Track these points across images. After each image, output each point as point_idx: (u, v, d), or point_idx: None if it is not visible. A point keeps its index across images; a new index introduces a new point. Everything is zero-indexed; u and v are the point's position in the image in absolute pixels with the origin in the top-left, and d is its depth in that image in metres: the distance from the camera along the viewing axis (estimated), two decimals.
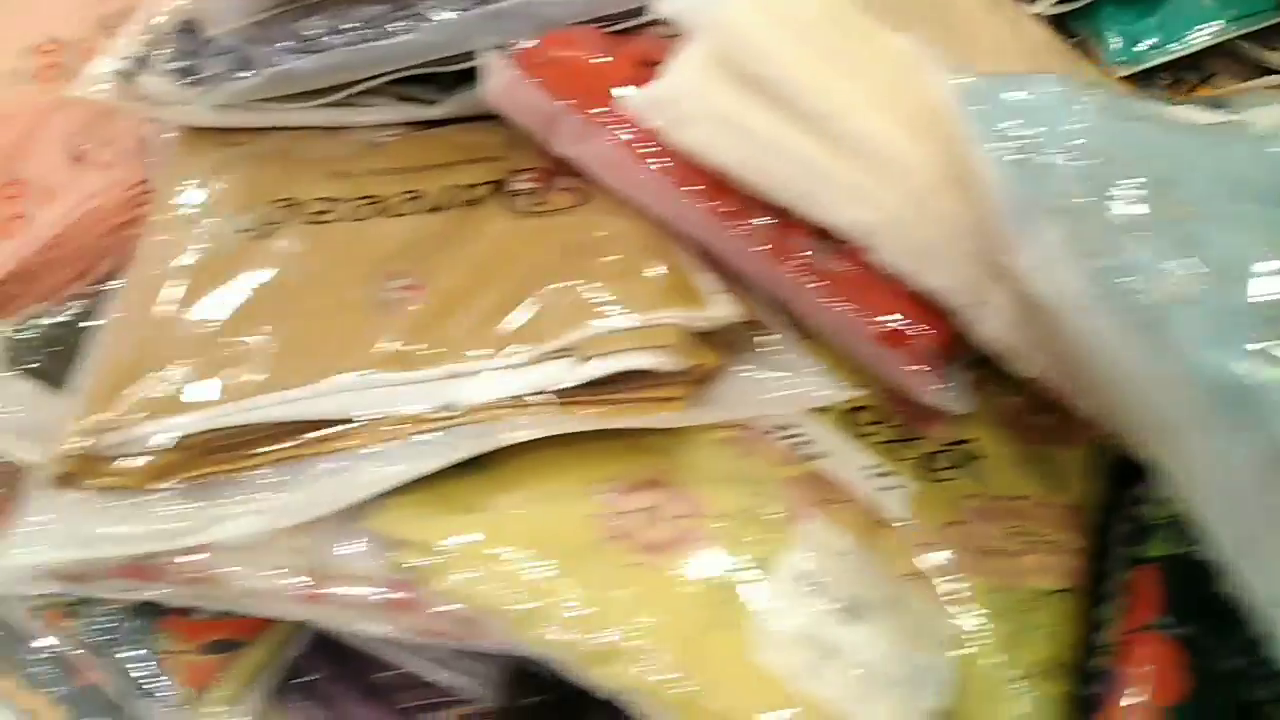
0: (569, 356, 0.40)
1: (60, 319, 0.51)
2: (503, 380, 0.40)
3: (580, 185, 0.50)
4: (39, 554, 0.36)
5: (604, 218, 0.47)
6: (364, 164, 0.53)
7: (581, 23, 0.52)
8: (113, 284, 0.54)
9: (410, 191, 0.51)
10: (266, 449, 0.39)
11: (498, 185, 0.51)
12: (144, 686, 0.44)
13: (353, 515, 0.38)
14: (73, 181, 0.58)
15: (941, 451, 0.45)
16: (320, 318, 0.43)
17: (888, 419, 0.46)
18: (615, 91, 0.47)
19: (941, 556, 0.42)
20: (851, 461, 0.43)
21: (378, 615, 0.40)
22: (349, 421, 0.39)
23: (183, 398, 0.39)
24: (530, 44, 0.51)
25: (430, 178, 0.52)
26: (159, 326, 0.42)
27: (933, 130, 0.42)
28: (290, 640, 0.46)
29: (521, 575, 0.37)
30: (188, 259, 0.46)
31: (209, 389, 0.39)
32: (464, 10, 0.52)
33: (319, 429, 0.39)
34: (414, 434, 0.38)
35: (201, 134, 0.56)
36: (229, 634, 0.45)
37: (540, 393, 0.39)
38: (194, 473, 0.38)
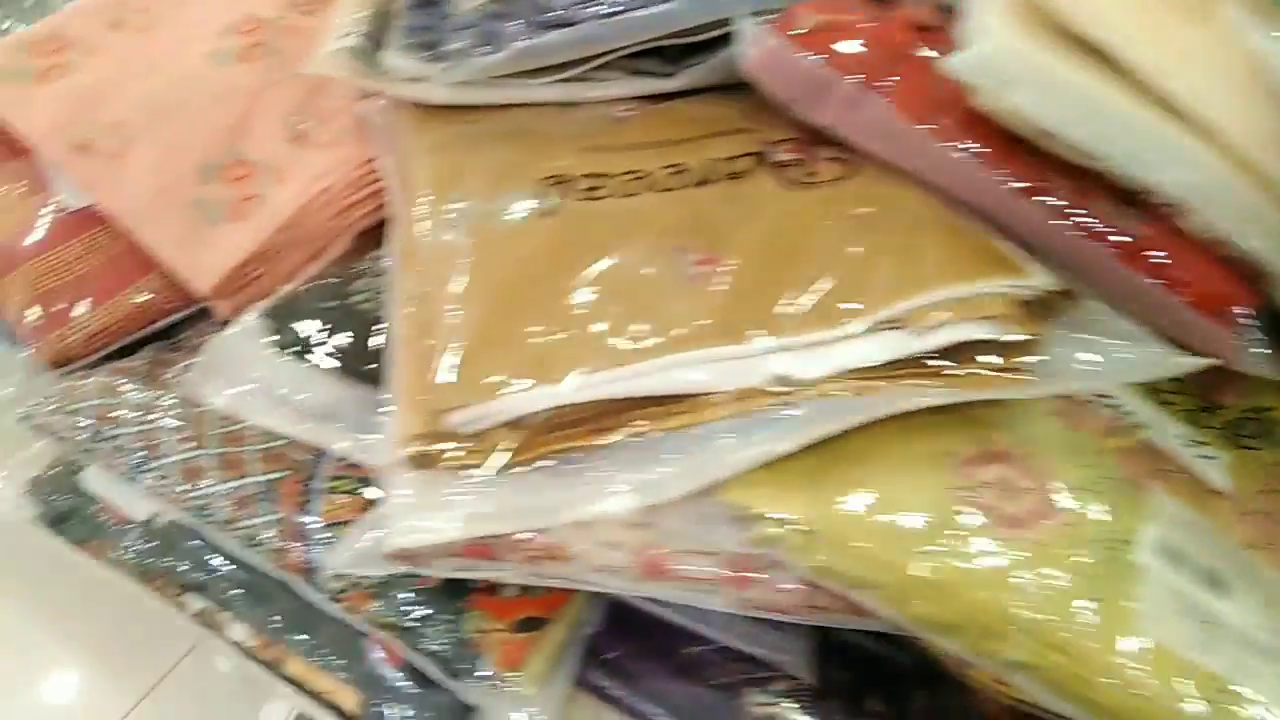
0: (899, 328, 0.39)
1: (326, 301, 0.50)
2: (838, 353, 0.39)
3: (844, 155, 0.50)
4: (414, 534, 0.36)
5: (886, 188, 0.47)
6: (616, 139, 0.52)
7: None
8: (364, 263, 0.53)
9: (672, 165, 0.50)
10: (614, 425, 0.38)
11: (758, 157, 0.50)
12: (458, 667, 0.44)
13: (704, 489, 0.37)
14: (299, 161, 0.57)
15: (1245, 419, 0.45)
16: (630, 294, 0.42)
17: (1187, 388, 0.45)
18: (898, 56, 0.46)
19: (1262, 523, 0.41)
20: (1169, 431, 0.42)
21: (720, 590, 0.39)
22: (688, 396, 0.39)
23: (523, 376, 0.38)
24: (791, 10, 0.50)
25: (687, 151, 0.51)
26: (470, 305, 0.42)
27: (1256, 90, 0.41)
28: (587, 617, 0.46)
29: (889, 549, 0.36)
30: (466, 237, 0.45)
31: (547, 366, 0.39)
32: None
33: (662, 404, 0.38)
34: (767, 408, 0.38)
35: (432, 112, 0.55)
36: (536, 611, 0.44)
37: (881, 365, 0.38)
38: (547, 450, 0.37)
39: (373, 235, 0.56)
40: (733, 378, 0.39)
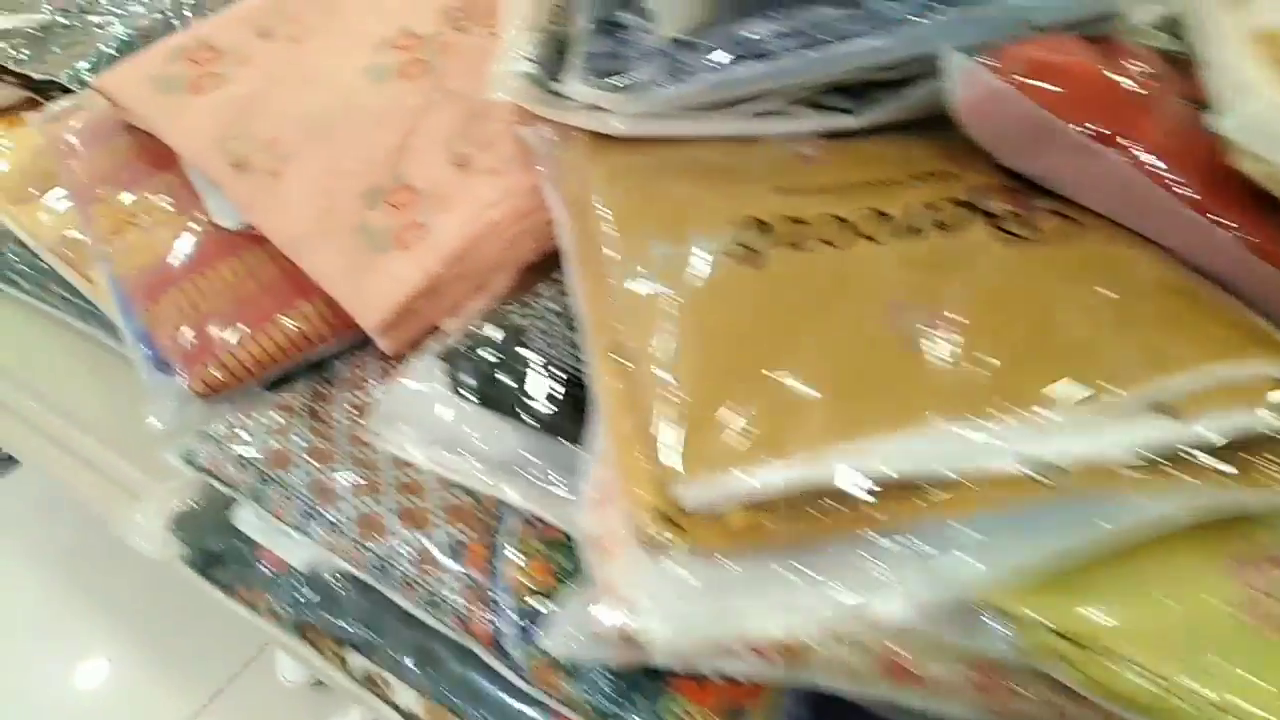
0: (1165, 414, 0.36)
1: (504, 344, 0.47)
2: (1096, 438, 0.36)
3: (1064, 208, 0.46)
4: (661, 626, 0.33)
5: (1121, 249, 0.43)
6: (807, 180, 0.49)
7: (1063, 26, 0.48)
8: (536, 300, 0.50)
9: (873, 211, 0.47)
10: (848, 513, 0.35)
11: (968, 206, 0.46)
12: None
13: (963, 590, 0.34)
14: (464, 189, 0.55)
15: None
16: (854, 356, 0.39)
17: None
18: (1132, 104, 0.43)
19: None
20: None
21: (962, 695, 0.36)
22: (933, 480, 0.35)
23: (756, 451, 0.35)
24: (1010, 49, 0.46)
25: (886, 196, 0.48)
26: (685, 370, 0.39)
27: None
28: (793, 711, 0.43)
29: (1163, 665, 0.33)
30: (666, 288, 0.42)
31: (779, 439, 0.36)
32: (931, 13, 0.48)
33: (905, 490, 0.35)
34: (1022, 500, 0.34)
35: (606, 142, 0.52)
36: (741, 699, 0.42)
37: (1146, 455, 0.35)
38: (785, 535, 0.34)
39: (539, 268, 0.53)
40: (979, 460, 0.36)
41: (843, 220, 0.46)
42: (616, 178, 0.50)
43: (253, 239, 0.55)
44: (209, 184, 0.55)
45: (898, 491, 0.36)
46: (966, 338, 0.40)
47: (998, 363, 0.39)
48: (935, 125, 0.52)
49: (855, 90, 0.53)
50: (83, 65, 0.82)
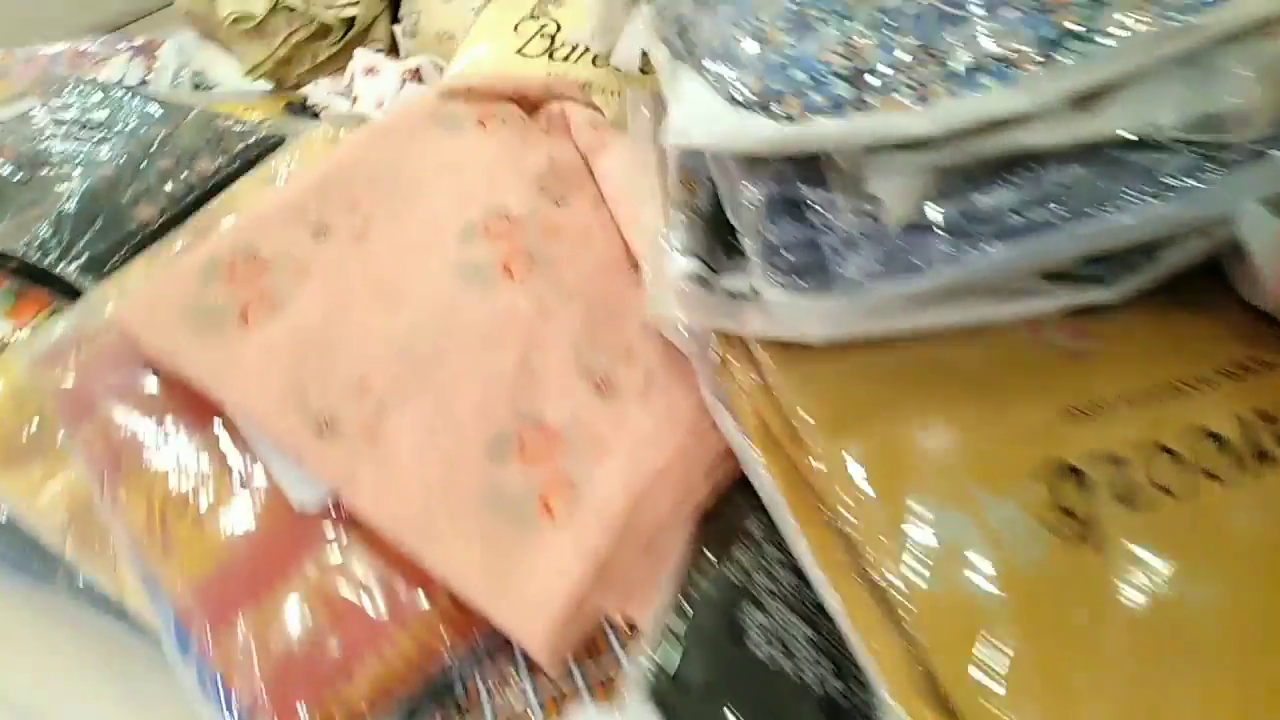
0: None
1: (722, 654, 0.35)
2: None
3: None
4: None
5: None
6: (1094, 388, 0.37)
7: None
8: (736, 571, 0.37)
9: (1200, 430, 0.35)
10: None
11: None
12: None
13: None
14: (612, 422, 0.42)
15: None
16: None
17: None
18: None
19: None
20: None
21: None
22: None
23: None
24: None
25: (1204, 405, 0.36)
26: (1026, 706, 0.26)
27: None
28: None
29: None
30: (950, 575, 0.30)
31: None
32: (1220, 167, 0.37)
33: None
34: None
35: (791, 348, 0.40)
36: None
37: None
38: None
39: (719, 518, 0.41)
40: None
41: (1171, 452, 0.35)
42: (824, 400, 0.38)
43: (345, 520, 0.42)
44: (279, 451, 0.42)
45: None
46: None
47: None
48: (1189, 289, 0.41)
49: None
50: (44, 230, 0.68)
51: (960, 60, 0.37)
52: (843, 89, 0.37)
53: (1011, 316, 0.41)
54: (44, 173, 0.79)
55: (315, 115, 0.97)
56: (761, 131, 0.36)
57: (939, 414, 0.37)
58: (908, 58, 0.37)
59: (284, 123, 0.95)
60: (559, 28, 0.74)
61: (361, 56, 0.97)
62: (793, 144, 0.36)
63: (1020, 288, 0.41)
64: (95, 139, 0.82)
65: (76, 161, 0.79)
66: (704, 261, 0.42)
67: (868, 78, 0.37)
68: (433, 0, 1.02)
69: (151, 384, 0.46)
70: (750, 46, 0.39)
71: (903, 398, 0.38)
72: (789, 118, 0.36)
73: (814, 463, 0.37)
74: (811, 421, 0.38)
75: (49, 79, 0.92)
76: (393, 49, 1.06)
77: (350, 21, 1.01)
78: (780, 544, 0.40)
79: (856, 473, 0.35)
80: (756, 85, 0.38)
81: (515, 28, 0.76)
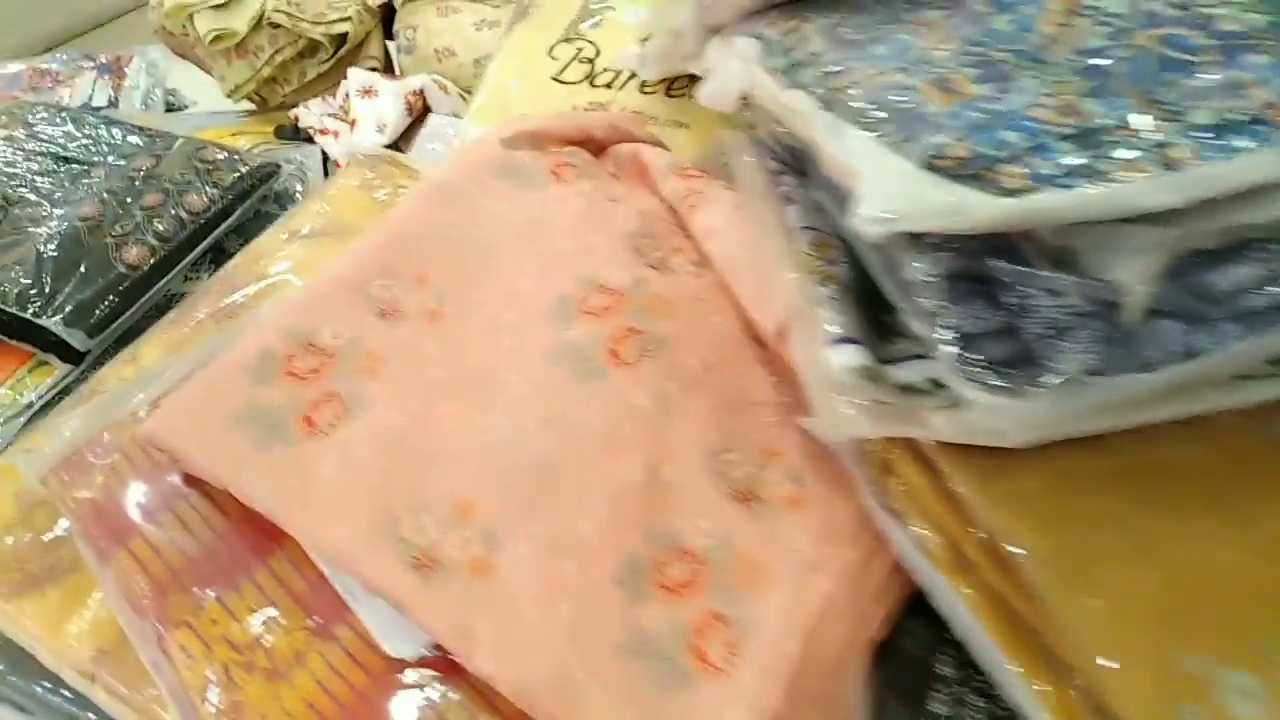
0: None
1: None
2: None
3: None
4: None
5: None
6: None
7: None
8: None
9: None
10: None
11: None
12: None
13: None
14: (764, 541, 0.36)
15: None
16: None
17: None
18: None
19: None
20: None
21: None
22: None
23: None
24: None
25: None
26: None
27: None
28: None
29: None
30: None
31: None
32: None
33: None
34: None
35: (978, 454, 0.34)
36: None
37: None
38: None
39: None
40: None
41: None
42: (1038, 527, 0.32)
43: (451, 668, 0.34)
44: (369, 592, 0.35)
45: None
46: None
47: None
48: None
49: None
50: (21, 277, 0.61)
51: (1202, 116, 0.31)
52: (1070, 154, 0.31)
53: (1231, 405, 0.35)
54: (16, 212, 0.70)
55: (309, 139, 0.89)
56: (983, 210, 0.29)
57: (1181, 538, 0.31)
58: (1142, 116, 0.31)
59: (277, 149, 0.86)
60: (598, 51, 0.67)
61: (355, 76, 0.89)
62: (1022, 222, 0.30)
63: (1245, 373, 0.35)
64: (72, 174, 0.73)
65: (54, 199, 0.70)
66: (862, 346, 0.35)
67: (1098, 139, 0.31)
68: (430, 14, 0.94)
69: (199, 502, 0.38)
70: (936, 99, 0.33)
71: (1135, 520, 0.32)
72: (1011, 191, 0.30)
73: (1034, 602, 0.31)
74: (1027, 554, 0.31)
75: (9, 105, 0.82)
76: (387, 67, 0.97)
77: (341, 38, 0.92)
78: (988, 689, 0.33)
79: (1102, 634, 0.29)
80: (962, 150, 0.31)
81: (550, 52, 0.68)
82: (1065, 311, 0.32)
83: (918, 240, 0.34)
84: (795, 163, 0.45)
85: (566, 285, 0.42)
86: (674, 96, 0.64)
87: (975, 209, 0.29)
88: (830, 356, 0.35)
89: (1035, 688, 0.31)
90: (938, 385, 0.35)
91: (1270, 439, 0.35)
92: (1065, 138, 0.31)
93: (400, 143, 0.83)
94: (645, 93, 0.64)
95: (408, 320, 0.41)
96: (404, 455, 0.36)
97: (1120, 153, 0.30)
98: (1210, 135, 0.31)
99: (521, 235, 0.43)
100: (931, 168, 0.31)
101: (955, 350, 0.33)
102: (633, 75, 0.65)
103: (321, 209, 0.55)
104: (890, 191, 0.30)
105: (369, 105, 0.89)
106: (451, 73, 0.92)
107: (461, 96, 0.84)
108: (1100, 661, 0.28)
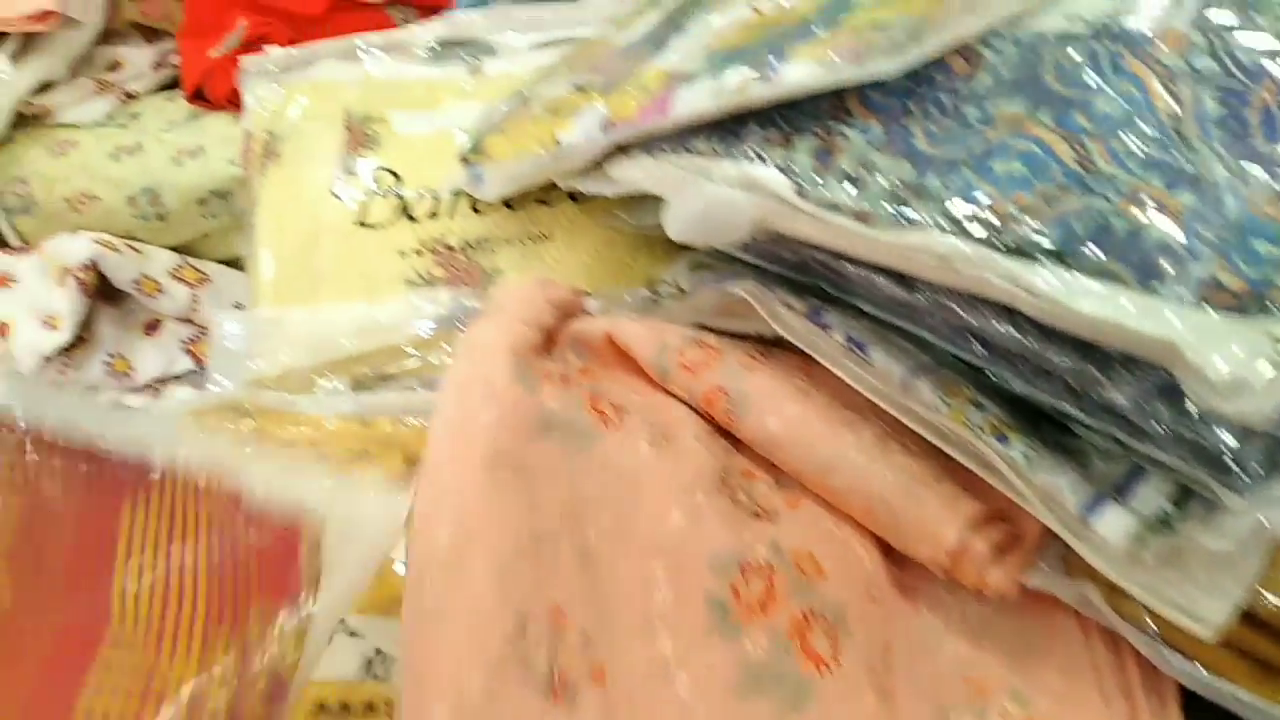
0: None
1: None
2: None
3: None
4: None
5: None
6: None
7: None
8: None
9: None
10: None
11: None
12: None
13: None
14: None
15: None
16: None
17: None
18: None
19: None
20: None
21: None
22: None
23: None
24: None
25: None
26: None
27: None
28: None
29: None
30: None
31: None
32: None
33: None
34: None
35: None
36: None
37: None
38: None
39: None
40: None
41: None
42: None
43: None
44: None
45: None
46: None
47: None
48: None
49: None
50: None
51: None
52: None
53: None
54: None
55: None
56: None
57: None
58: None
59: None
60: (398, 178, 0.54)
61: None
62: None
63: None
64: None
65: None
66: (1117, 503, 0.31)
67: None
68: (39, 157, 0.72)
69: None
70: (1163, 224, 0.29)
71: None
72: None
73: None
74: None
75: None
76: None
77: None
78: None
79: None
80: (1234, 282, 0.27)
81: (332, 190, 0.54)
82: None
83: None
84: (804, 275, 0.39)
85: (707, 578, 0.32)
86: (515, 209, 0.53)
87: None
88: (1095, 529, 0.30)
89: None
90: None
91: None
92: None
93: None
94: (478, 212, 0.53)
95: (580, 694, 0.29)
96: None
97: None
98: None
99: (619, 523, 0.32)
100: (1201, 306, 0.27)
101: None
102: (459, 194, 0.53)
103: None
104: (1234, 361, 0.26)
105: (12, 298, 0.67)
106: (100, 222, 0.71)
107: (134, 249, 0.63)
108: None
